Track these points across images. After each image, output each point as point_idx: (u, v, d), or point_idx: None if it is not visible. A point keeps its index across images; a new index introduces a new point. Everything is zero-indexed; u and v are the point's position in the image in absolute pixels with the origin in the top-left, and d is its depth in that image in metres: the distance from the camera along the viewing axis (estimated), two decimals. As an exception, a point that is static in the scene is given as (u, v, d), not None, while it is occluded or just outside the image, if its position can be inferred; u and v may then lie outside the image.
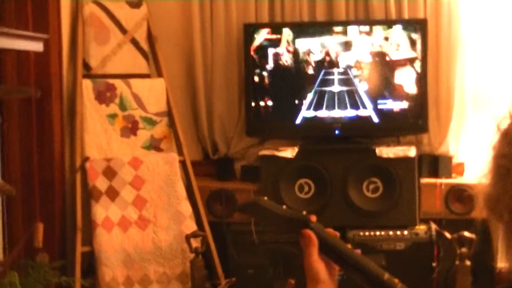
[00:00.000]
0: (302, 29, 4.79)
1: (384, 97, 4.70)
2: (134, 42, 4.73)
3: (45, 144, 4.34)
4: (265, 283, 4.28)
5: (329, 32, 4.72)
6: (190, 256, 4.41)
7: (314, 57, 4.73)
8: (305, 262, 1.76)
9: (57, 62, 4.41)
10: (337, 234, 1.84)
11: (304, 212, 1.77)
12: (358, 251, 1.80)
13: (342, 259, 1.77)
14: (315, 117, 4.74)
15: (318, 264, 1.75)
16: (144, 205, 4.49)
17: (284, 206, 1.79)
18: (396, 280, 1.75)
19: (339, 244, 1.77)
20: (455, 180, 4.70)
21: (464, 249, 4.21)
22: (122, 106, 4.62)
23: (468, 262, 4.20)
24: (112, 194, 4.44)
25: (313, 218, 1.78)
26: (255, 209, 1.79)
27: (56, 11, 4.38)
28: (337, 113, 4.71)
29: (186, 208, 4.56)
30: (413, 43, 4.65)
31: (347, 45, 4.71)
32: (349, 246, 1.80)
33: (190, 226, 4.52)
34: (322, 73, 4.72)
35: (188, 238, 4.38)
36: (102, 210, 4.39)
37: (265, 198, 1.78)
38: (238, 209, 4.66)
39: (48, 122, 4.35)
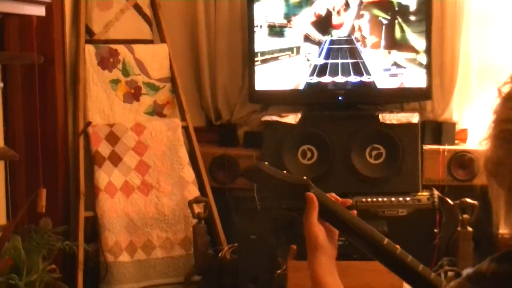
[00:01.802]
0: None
1: (387, 61, 4.68)
2: (137, 8, 4.71)
3: (48, 109, 4.33)
4: (267, 249, 4.29)
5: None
6: (193, 221, 4.43)
7: (318, 23, 4.71)
8: (305, 227, 1.77)
9: (59, 28, 4.40)
10: (339, 199, 1.85)
11: (305, 177, 1.78)
12: (354, 211, 1.81)
13: (341, 224, 1.78)
14: (318, 83, 4.72)
15: (316, 229, 1.76)
16: (147, 171, 4.50)
17: (285, 171, 1.80)
18: (396, 246, 1.75)
19: (339, 209, 1.78)
20: (458, 146, 4.69)
21: (466, 216, 4.21)
22: (125, 72, 4.61)
23: (470, 229, 4.20)
24: (115, 159, 4.45)
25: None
26: (256, 174, 1.80)
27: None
28: (340, 79, 4.69)
29: (188, 174, 4.57)
30: (417, 11, 4.62)
31: (351, 11, 4.68)
32: (354, 212, 1.81)
33: (193, 192, 4.53)
34: (326, 38, 4.70)
35: (190, 203, 4.40)
36: (105, 176, 4.40)
37: (266, 163, 1.79)
38: (239, 174, 4.67)
39: (51, 88, 4.34)
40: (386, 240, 1.76)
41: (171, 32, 4.80)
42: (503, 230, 1.46)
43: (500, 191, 1.42)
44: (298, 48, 4.74)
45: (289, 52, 4.75)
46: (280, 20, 4.76)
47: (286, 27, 4.76)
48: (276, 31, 4.76)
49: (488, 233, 4.23)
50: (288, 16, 4.75)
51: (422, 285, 1.71)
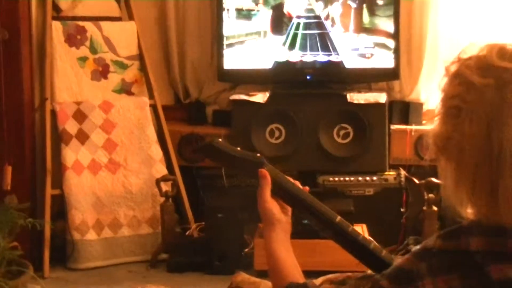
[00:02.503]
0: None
1: (355, 43, 4.68)
2: (105, -15, 4.68)
3: (14, 86, 4.30)
4: (235, 227, 4.30)
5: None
6: (161, 200, 4.44)
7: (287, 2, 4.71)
8: (259, 203, 1.78)
9: (25, 3, 4.37)
10: (306, 189, 1.86)
11: (258, 154, 1.79)
12: (307, 188, 1.82)
13: (294, 200, 1.79)
14: (286, 62, 4.72)
15: (271, 205, 1.77)
16: (114, 149, 4.49)
17: (239, 148, 1.81)
18: (348, 224, 1.77)
19: (291, 186, 1.79)
20: (426, 127, 4.71)
21: (431, 195, 4.26)
22: (93, 49, 4.59)
23: (435, 208, 4.24)
24: (82, 137, 4.44)
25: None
26: (210, 150, 1.81)
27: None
28: (309, 58, 4.69)
29: (156, 152, 4.57)
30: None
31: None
32: (307, 189, 1.82)
33: (161, 170, 4.53)
34: (294, 17, 4.70)
35: (158, 182, 4.40)
36: (72, 153, 4.39)
37: (220, 139, 1.80)
38: (194, 151, 4.67)
39: (17, 64, 4.31)
40: (338, 217, 1.78)
41: (139, 10, 4.77)
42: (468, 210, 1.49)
43: (448, 166, 1.44)
44: (265, 32, 4.73)
45: (256, 36, 4.74)
46: (248, 4, 4.74)
47: (254, 10, 4.74)
48: (243, 14, 4.74)
49: (454, 212, 4.26)
50: (256, 0, 4.74)
51: (373, 262, 1.73)
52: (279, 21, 4.72)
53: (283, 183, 1.79)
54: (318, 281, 1.81)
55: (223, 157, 1.81)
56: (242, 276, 1.93)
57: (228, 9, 4.73)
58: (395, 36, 4.63)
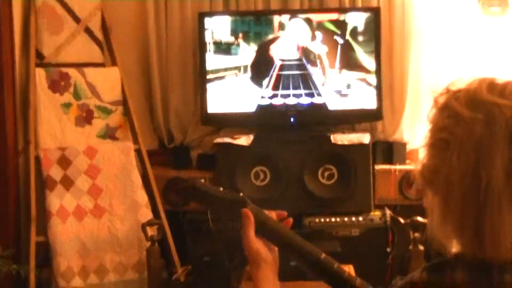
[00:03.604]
0: (256, 17, 4.80)
1: (338, 85, 4.71)
2: (88, 31, 4.70)
3: (-2, 134, 4.31)
4: (221, 271, 4.28)
5: (284, 20, 4.73)
6: (147, 244, 4.42)
7: (268, 46, 4.74)
8: (244, 244, 1.77)
9: (9, 51, 4.37)
10: (290, 220, 1.86)
11: (241, 194, 1.79)
12: (290, 220, 1.82)
13: (277, 239, 1.79)
14: (270, 105, 4.75)
15: (256, 244, 1.76)
16: (99, 194, 4.48)
17: (221, 188, 1.81)
18: (333, 261, 1.77)
19: (274, 224, 1.79)
20: (409, 166, 4.73)
21: (417, 234, 4.27)
22: (77, 95, 4.59)
23: (421, 247, 4.25)
24: (67, 183, 4.42)
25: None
26: (193, 191, 1.80)
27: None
28: (292, 100, 4.72)
29: (141, 197, 4.56)
30: (366, 31, 4.67)
31: (301, 33, 4.71)
32: (290, 221, 1.82)
33: (146, 214, 4.52)
34: (276, 61, 4.73)
35: (144, 226, 4.38)
36: (56, 200, 4.37)
37: (202, 180, 1.80)
38: (175, 193, 4.67)
39: (1, 111, 4.31)
40: (323, 255, 1.77)
41: (122, 55, 4.80)
42: (453, 248, 1.49)
43: (435, 199, 1.44)
44: (245, 67, 4.76)
45: (236, 71, 4.77)
46: (227, 37, 4.77)
47: (233, 44, 4.78)
48: (223, 48, 4.77)
49: (439, 245, 4.26)
50: (235, 33, 4.77)
51: None
52: (262, 63, 4.75)
53: (267, 222, 1.79)
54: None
55: (206, 198, 1.81)
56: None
57: (208, 43, 4.74)
58: (377, 72, 4.67)
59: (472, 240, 1.42)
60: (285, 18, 4.73)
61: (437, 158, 1.44)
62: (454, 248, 1.47)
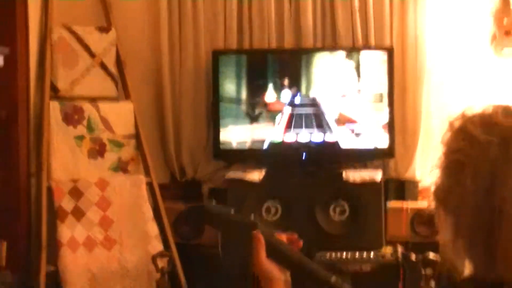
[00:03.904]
0: (270, 55, 4.86)
1: (350, 123, 4.73)
2: (103, 66, 4.75)
3: (11, 164, 4.33)
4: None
5: (297, 58, 4.78)
6: (157, 276, 4.40)
7: (281, 85, 4.78)
8: (255, 265, 1.77)
9: (24, 84, 4.43)
10: (300, 243, 1.86)
11: (252, 217, 1.80)
12: (300, 242, 1.82)
13: (288, 262, 1.79)
14: (282, 142, 4.76)
15: (269, 265, 1.76)
16: (110, 226, 4.48)
17: (232, 211, 1.82)
18: (345, 284, 1.76)
19: (285, 247, 1.79)
20: (421, 204, 4.72)
21: (428, 270, 4.23)
22: (90, 128, 4.62)
23: (433, 283, 4.21)
24: (78, 214, 4.43)
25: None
26: (203, 214, 1.82)
27: (24, 32, 4.41)
28: (304, 137, 4.74)
29: (152, 228, 4.55)
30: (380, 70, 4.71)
31: (315, 72, 4.76)
32: (300, 244, 1.82)
33: (157, 247, 4.51)
34: (289, 99, 4.76)
35: (154, 258, 4.37)
36: (67, 230, 4.37)
37: (213, 202, 1.82)
38: (186, 216, 4.66)
39: (14, 144, 4.35)
40: (333, 277, 1.77)
41: (136, 89, 4.84)
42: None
43: (448, 219, 1.45)
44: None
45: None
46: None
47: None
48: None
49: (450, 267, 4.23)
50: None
51: None
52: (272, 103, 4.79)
53: (277, 244, 1.79)
54: None
55: (217, 220, 1.82)
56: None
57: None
58: (390, 111, 4.69)
59: (483, 260, 1.43)
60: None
61: (451, 179, 1.45)
62: (467, 270, 1.47)
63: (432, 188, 1.51)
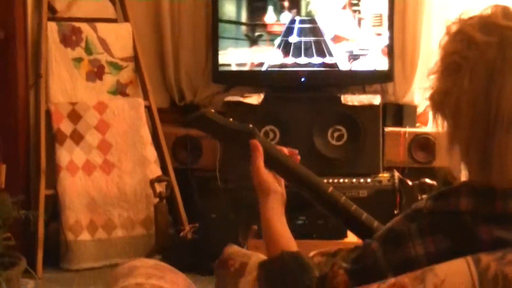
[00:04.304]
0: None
1: (349, 45, 4.70)
2: (100, -14, 4.70)
3: (9, 86, 4.31)
4: (228, 229, 4.29)
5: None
6: (154, 201, 4.43)
7: (281, 7, 4.73)
8: (253, 174, 1.77)
9: (21, 4, 4.37)
10: (298, 157, 1.85)
11: (250, 125, 1.79)
12: (298, 157, 1.82)
13: (286, 171, 1.78)
14: (281, 65, 4.74)
15: (265, 175, 1.76)
16: (108, 150, 4.49)
17: (231, 119, 1.81)
18: (341, 194, 1.77)
19: (283, 157, 1.79)
20: (419, 129, 4.73)
21: (425, 196, 4.25)
22: (88, 50, 4.59)
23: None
24: (77, 137, 4.44)
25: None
26: (202, 121, 1.80)
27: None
28: (303, 60, 4.71)
29: (151, 153, 4.57)
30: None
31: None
32: (298, 158, 1.81)
33: (155, 171, 4.53)
34: (288, 20, 4.72)
35: (152, 182, 4.40)
36: (66, 154, 4.38)
37: (212, 110, 1.80)
38: (186, 123, 4.67)
39: (12, 64, 4.32)
40: (331, 188, 1.77)
41: (134, 12, 4.79)
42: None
43: (444, 124, 1.45)
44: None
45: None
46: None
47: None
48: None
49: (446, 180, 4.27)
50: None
51: (365, 233, 1.73)
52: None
53: (275, 154, 1.79)
54: (310, 254, 1.80)
55: (215, 128, 1.81)
56: (234, 248, 1.92)
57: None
58: (389, 35, 4.65)
59: (479, 165, 1.42)
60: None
61: (448, 81, 1.43)
62: (463, 178, 1.47)
63: (429, 93, 1.50)
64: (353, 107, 4.56)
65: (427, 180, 4.22)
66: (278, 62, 4.73)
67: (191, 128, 1.91)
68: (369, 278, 1.45)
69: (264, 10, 4.75)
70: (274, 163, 1.78)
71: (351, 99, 4.57)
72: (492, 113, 1.38)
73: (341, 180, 4.49)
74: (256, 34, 4.76)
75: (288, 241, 1.70)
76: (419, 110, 4.81)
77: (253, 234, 4.11)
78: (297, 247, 1.70)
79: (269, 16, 4.75)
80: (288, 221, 1.78)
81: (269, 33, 4.76)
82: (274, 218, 1.74)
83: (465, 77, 1.40)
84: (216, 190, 4.61)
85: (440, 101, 1.46)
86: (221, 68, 4.77)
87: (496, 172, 1.39)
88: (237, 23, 4.76)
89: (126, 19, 4.73)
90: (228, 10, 4.76)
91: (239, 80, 4.87)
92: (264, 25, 4.76)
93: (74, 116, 4.45)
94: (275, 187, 1.76)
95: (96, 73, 4.61)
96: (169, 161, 4.65)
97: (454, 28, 1.46)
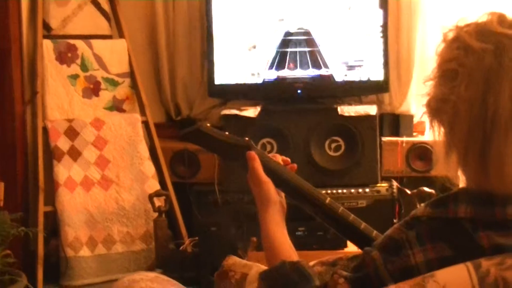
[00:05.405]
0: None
1: (345, 57, 4.71)
2: (95, 3, 4.69)
3: (6, 105, 4.32)
4: (228, 242, 4.29)
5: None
6: (154, 215, 4.44)
7: (276, 17, 4.74)
8: (252, 185, 1.77)
9: (16, 23, 4.39)
10: (294, 166, 1.86)
11: (246, 138, 1.80)
12: (295, 166, 1.82)
13: (283, 183, 1.79)
14: (277, 78, 4.75)
15: (267, 185, 1.76)
16: (106, 165, 4.49)
17: (227, 133, 1.81)
18: (338, 205, 1.77)
19: (280, 168, 1.79)
20: (416, 138, 4.73)
21: (423, 204, 4.26)
22: (84, 67, 4.60)
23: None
24: (74, 154, 4.44)
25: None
26: (198, 135, 1.81)
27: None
28: (298, 72, 4.72)
29: (149, 168, 4.57)
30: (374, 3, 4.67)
31: (309, 5, 4.71)
32: (295, 167, 1.82)
33: (153, 186, 4.53)
34: (283, 33, 4.73)
35: (151, 197, 4.40)
36: (64, 170, 4.38)
37: (208, 124, 1.81)
38: (181, 137, 4.67)
39: (8, 82, 4.33)
40: (328, 199, 1.78)
41: (129, 27, 4.79)
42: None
43: (441, 130, 1.45)
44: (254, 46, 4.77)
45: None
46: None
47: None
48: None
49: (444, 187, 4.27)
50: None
51: (364, 242, 1.73)
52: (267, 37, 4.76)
53: (272, 166, 1.79)
54: (310, 264, 1.80)
55: (210, 142, 1.82)
56: (234, 260, 1.93)
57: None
58: (384, 48, 4.66)
59: (476, 171, 1.43)
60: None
61: (445, 87, 1.44)
62: (461, 184, 1.47)
63: (426, 100, 1.51)
64: (350, 117, 4.56)
65: (426, 189, 4.21)
66: (274, 75, 4.74)
67: (187, 142, 1.91)
68: (369, 286, 1.46)
69: (259, 24, 4.75)
70: (271, 175, 1.78)
71: (348, 110, 4.58)
72: (489, 119, 1.38)
73: (340, 191, 4.50)
74: (251, 47, 4.77)
75: (289, 251, 1.71)
76: (416, 119, 4.82)
77: (253, 247, 4.11)
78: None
79: (264, 29, 4.75)
80: (288, 232, 1.78)
81: (264, 45, 4.76)
82: (274, 228, 1.74)
83: (462, 84, 1.41)
84: (215, 203, 4.61)
85: (437, 108, 1.46)
86: (217, 82, 4.77)
87: (494, 177, 1.40)
88: (232, 37, 4.76)
89: (121, 35, 4.74)
90: (223, 24, 4.76)
91: (235, 94, 4.87)
92: (259, 38, 4.76)
93: (71, 132, 4.45)
94: (275, 197, 1.77)
95: (92, 89, 4.62)
96: (167, 175, 4.65)
97: (450, 35, 1.47)
